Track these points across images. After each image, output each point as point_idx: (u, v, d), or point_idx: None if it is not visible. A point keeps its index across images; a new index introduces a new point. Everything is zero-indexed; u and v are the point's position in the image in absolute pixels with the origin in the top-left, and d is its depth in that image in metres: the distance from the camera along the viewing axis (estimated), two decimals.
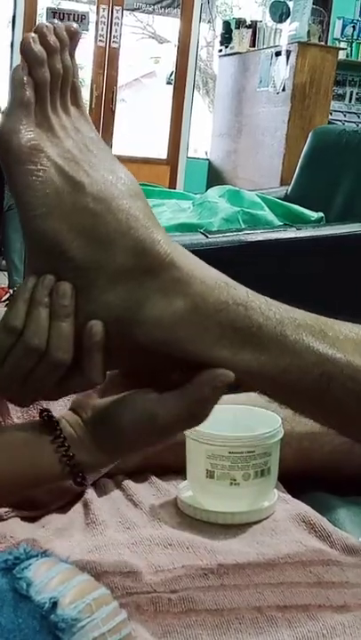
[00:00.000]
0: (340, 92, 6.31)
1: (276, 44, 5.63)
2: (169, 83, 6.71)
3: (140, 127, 7.84)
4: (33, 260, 0.68)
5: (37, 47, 0.67)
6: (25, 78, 0.67)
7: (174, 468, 1.00)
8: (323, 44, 5.69)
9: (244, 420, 0.95)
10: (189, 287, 0.66)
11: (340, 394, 0.67)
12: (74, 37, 0.70)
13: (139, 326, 0.66)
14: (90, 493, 0.96)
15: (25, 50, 0.67)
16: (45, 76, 0.67)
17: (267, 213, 2.96)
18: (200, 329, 0.66)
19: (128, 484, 0.99)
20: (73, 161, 0.67)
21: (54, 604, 0.52)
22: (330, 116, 5.52)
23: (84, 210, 0.66)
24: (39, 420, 0.74)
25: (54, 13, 5.87)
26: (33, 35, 0.68)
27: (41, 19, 5.76)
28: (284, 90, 5.20)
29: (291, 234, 2.27)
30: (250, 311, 0.67)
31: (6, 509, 0.91)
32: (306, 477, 1.02)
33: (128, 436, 0.70)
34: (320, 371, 0.67)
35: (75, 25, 0.70)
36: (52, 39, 0.68)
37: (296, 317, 0.68)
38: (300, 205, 3.08)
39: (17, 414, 0.98)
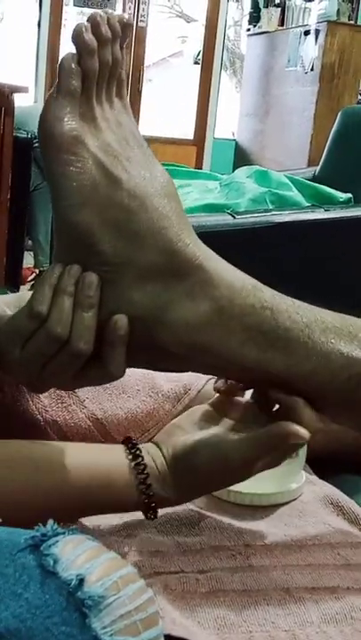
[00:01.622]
0: None
1: (305, 22, 5.55)
2: (196, 62, 6.66)
3: (167, 107, 7.79)
4: (62, 250, 0.68)
5: (89, 36, 0.67)
6: (74, 67, 0.66)
7: None
8: (352, 23, 5.58)
9: None
10: (216, 290, 0.66)
11: None
12: (126, 29, 0.70)
13: (163, 327, 0.66)
14: None
15: (77, 38, 0.67)
16: (94, 67, 0.67)
17: (295, 194, 2.94)
18: (226, 332, 0.66)
19: None
20: (112, 155, 0.67)
21: (81, 581, 0.52)
22: (359, 97, 5.45)
23: (118, 205, 0.65)
24: (121, 444, 0.75)
25: None
26: (86, 23, 0.67)
27: None
28: (312, 69, 5.15)
29: (319, 215, 2.25)
30: (276, 314, 0.67)
31: None
32: (334, 460, 1.01)
33: (202, 475, 0.73)
34: (348, 374, 0.67)
35: (127, 16, 0.70)
36: (104, 29, 0.67)
37: (324, 320, 0.68)
38: (329, 186, 3.05)
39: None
